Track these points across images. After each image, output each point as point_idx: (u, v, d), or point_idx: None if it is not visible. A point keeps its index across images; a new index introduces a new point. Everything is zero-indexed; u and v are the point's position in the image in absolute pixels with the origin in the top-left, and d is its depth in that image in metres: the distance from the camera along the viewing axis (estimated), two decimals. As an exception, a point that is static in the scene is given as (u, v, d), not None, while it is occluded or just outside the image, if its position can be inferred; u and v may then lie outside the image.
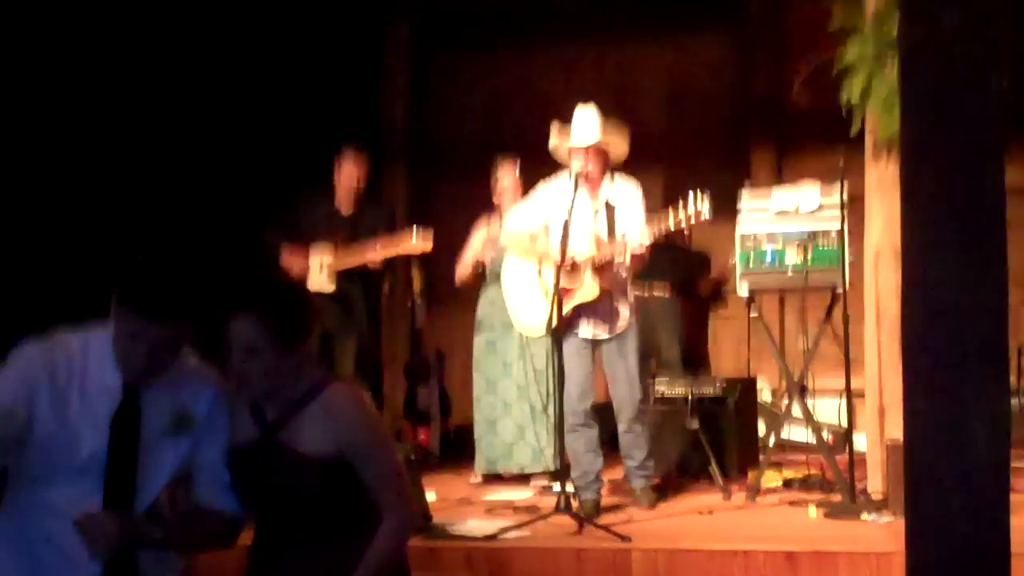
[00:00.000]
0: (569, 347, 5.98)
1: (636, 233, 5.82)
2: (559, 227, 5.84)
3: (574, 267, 5.90)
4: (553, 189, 6.11)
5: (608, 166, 6.05)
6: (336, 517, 3.17)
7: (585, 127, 5.93)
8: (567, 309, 5.89)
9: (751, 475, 6.52)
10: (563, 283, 5.75)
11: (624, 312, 6.07)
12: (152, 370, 3.07)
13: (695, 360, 8.67)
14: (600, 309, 6.00)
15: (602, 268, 5.93)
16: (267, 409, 3.22)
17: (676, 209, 5.68)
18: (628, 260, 5.92)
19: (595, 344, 6.06)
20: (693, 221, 5.66)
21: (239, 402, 3.25)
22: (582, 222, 5.91)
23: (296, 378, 3.22)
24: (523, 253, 6.20)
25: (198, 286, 3.10)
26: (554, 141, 6.02)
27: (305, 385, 3.22)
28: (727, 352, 9.09)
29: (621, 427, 6.11)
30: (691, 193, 5.66)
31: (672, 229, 5.74)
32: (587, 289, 5.92)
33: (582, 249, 5.89)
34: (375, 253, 7.04)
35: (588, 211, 5.98)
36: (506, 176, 7.17)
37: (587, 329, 6.02)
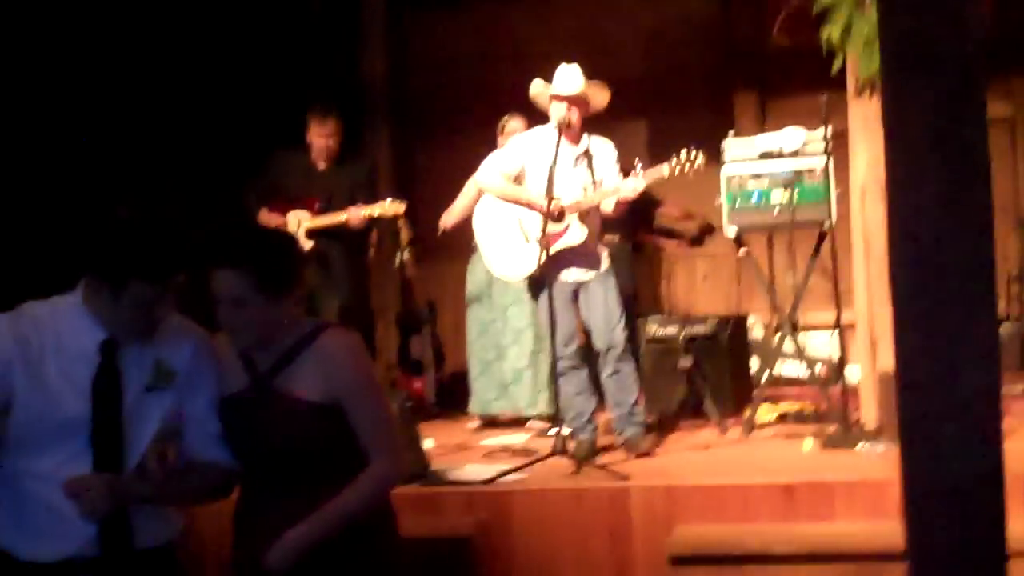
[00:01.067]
0: (552, 291, 6.02)
1: (618, 180, 5.94)
2: (537, 175, 5.96)
3: (560, 213, 5.95)
4: (531, 138, 6.19)
5: (587, 118, 6.09)
6: (326, 465, 3.17)
7: (569, 77, 5.98)
8: (551, 253, 5.95)
9: (746, 411, 6.59)
10: (545, 227, 5.80)
11: (603, 255, 6.14)
12: (151, 329, 3.11)
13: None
14: (581, 253, 6.06)
15: (586, 214, 5.99)
16: (259, 359, 3.23)
17: (671, 158, 5.85)
18: (610, 207, 6.01)
19: (577, 287, 6.11)
20: (687, 169, 5.83)
21: (230, 352, 3.26)
22: (564, 170, 5.97)
23: (287, 327, 3.22)
24: (508, 195, 6.21)
25: (184, 236, 3.11)
26: (537, 89, 6.05)
27: (297, 333, 3.23)
28: (718, 290, 9.14)
29: (605, 371, 6.08)
30: (685, 150, 5.84)
31: (665, 176, 5.89)
32: (574, 233, 5.98)
33: (567, 195, 5.94)
34: (350, 216, 7.05)
35: (569, 160, 6.04)
36: (515, 120, 7.13)
37: (571, 272, 6.07)
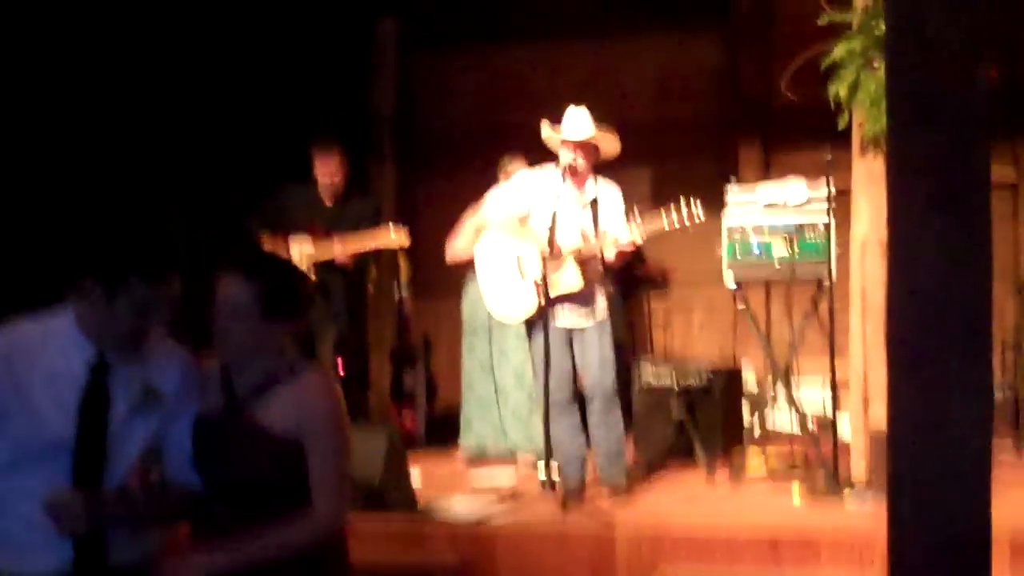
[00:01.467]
0: (543, 335, 6.03)
1: (621, 229, 5.93)
2: (542, 216, 5.98)
3: (559, 257, 5.96)
4: (537, 178, 6.18)
5: (596, 164, 6.12)
6: (279, 502, 3.14)
7: (578, 122, 6.00)
8: (549, 297, 5.96)
9: (736, 458, 6.58)
10: (543, 270, 5.83)
11: (602, 301, 6.14)
12: (141, 339, 3.11)
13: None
14: (579, 298, 6.05)
15: (585, 260, 6.01)
16: (238, 383, 3.21)
17: (669, 210, 5.82)
18: (612, 255, 6.00)
19: (572, 333, 6.11)
20: (687, 223, 5.80)
21: (211, 374, 3.25)
22: (568, 214, 6.00)
23: (275, 356, 3.22)
24: (512, 233, 6.23)
25: (183, 238, 3.13)
26: (546, 132, 6.07)
27: (282, 366, 3.22)
28: (714, 338, 9.15)
29: (593, 417, 6.08)
30: (683, 199, 5.82)
31: (665, 229, 5.86)
32: (571, 280, 5.98)
33: (568, 240, 5.96)
34: (354, 245, 7.08)
35: (575, 205, 6.06)
36: (516, 162, 7.16)
37: (566, 318, 6.07)
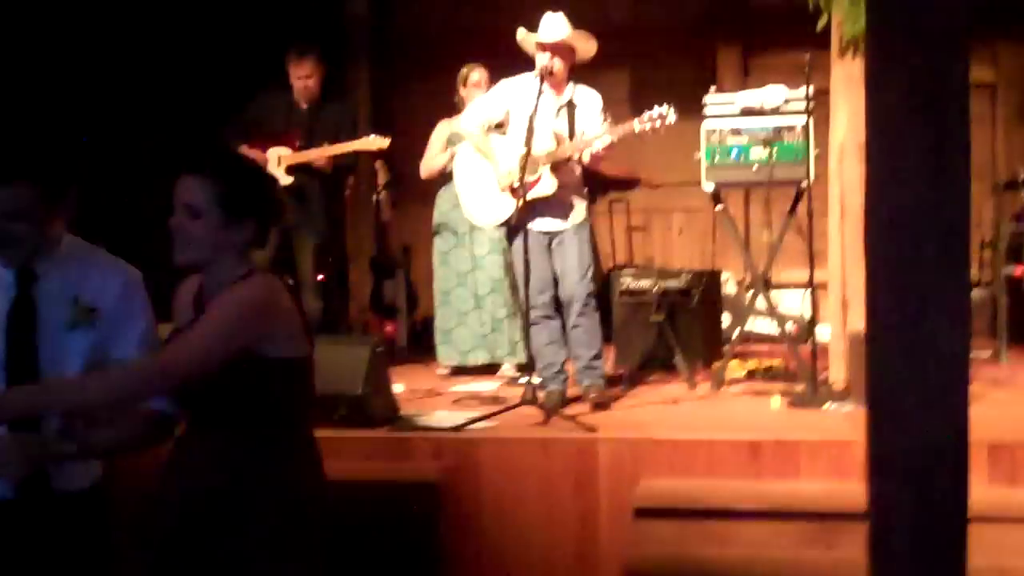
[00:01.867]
0: (521, 242, 6.02)
1: (595, 133, 5.90)
2: (520, 122, 5.93)
3: (532, 161, 5.93)
4: (516, 84, 6.14)
5: (573, 67, 6.06)
6: (236, 406, 2.99)
7: (554, 25, 5.95)
8: (522, 203, 5.93)
9: (715, 366, 6.61)
10: (520, 176, 5.80)
11: (579, 206, 6.12)
12: (15, 247, 2.98)
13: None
14: (555, 203, 6.03)
15: (559, 164, 5.97)
16: (206, 291, 3.06)
17: (642, 115, 5.78)
18: (587, 158, 5.98)
19: (551, 236, 6.10)
20: (658, 125, 5.75)
21: (187, 293, 3.13)
22: (544, 119, 5.94)
23: (234, 262, 3.04)
24: (479, 146, 6.21)
25: (36, 145, 3.02)
26: (521, 36, 6.01)
27: (238, 272, 3.03)
28: (693, 245, 9.15)
29: (570, 323, 6.11)
30: (656, 106, 5.77)
31: (636, 133, 5.80)
32: (544, 184, 5.96)
33: (542, 145, 5.92)
34: (333, 150, 7.02)
35: (551, 109, 6.02)
36: (475, 74, 7.12)
37: (543, 222, 6.05)
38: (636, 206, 9.14)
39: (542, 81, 5.86)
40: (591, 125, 6.00)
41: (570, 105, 6.05)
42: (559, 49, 5.93)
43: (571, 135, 6.01)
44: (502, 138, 6.12)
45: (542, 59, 5.93)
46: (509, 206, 5.98)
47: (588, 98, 6.09)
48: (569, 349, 6.17)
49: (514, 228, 5.98)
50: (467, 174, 6.39)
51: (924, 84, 2.25)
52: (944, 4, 2.25)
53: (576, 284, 6.05)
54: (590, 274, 6.12)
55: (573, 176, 6.10)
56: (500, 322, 7.15)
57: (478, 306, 7.20)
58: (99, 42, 7.62)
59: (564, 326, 6.14)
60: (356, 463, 5.23)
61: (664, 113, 5.76)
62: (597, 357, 6.16)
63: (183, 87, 8.02)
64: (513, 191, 5.89)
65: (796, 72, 6.18)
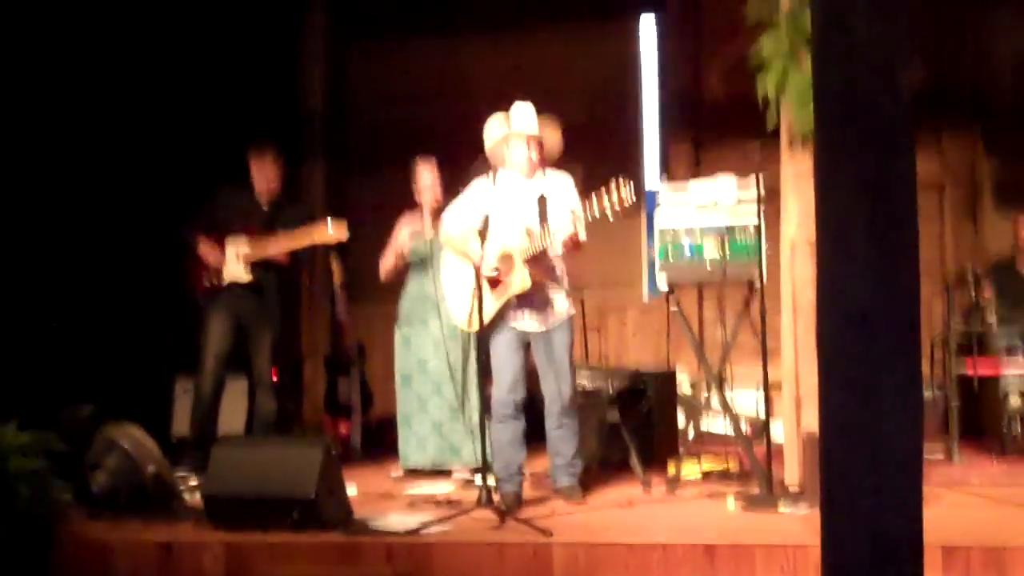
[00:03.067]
0: (502, 338, 6.05)
1: (565, 221, 5.88)
2: (497, 221, 5.97)
3: (508, 259, 5.93)
4: (490, 184, 6.17)
5: (542, 160, 6.12)
6: None
7: (528, 116, 6.04)
8: (501, 301, 5.98)
9: (671, 466, 6.56)
10: (497, 274, 5.91)
11: (559, 305, 6.11)
12: None
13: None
14: (534, 301, 6.03)
15: (533, 259, 5.97)
16: None
17: (600, 196, 5.72)
18: (559, 249, 5.99)
19: (530, 336, 6.08)
20: (618, 207, 5.70)
21: None
22: (516, 214, 5.98)
23: None
24: (458, 254, 6.22)
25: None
26: (497, 132, 6.07)
27: None
28: (648, 343, 9.14)
29: (551, 422, 6.11)
30: (614, 180, 5.70)
31: (597, 215, 5.74)
32: (519, 280, 5.94)
33: (515, 240, 5.92)
34: (291, 242, 7.01)
35: (524, 202, 6.04)
36: (425, 173, 7.16)
37: (521, 321, 6.05)
38: (591, 305, 9.13)
39: (525, 173, 6.01)
40: (560, 213, 5.95)
41: (540, 199, 6.04)
42: (533, 140, 6.01)
43: (543, 226, 5.98)
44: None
45: (520, 151, 6.02)
46: (489, 308, 5.97)
47: (561, 185, 6.11)
48: (548, 447, 6.18)
49: (480, 331, 5.95)
50: (451, 275, 6.36)
51: (870, 182, 2.26)
52: (889, 104, 2.27)
53: (558, 389, 6.05)
54: (571, 378, 6.14)
55: (548, 270, 6.09)
56: (439, 426, 7.07)
57: (422, 409, 7.12)
58: (63, 137, 7.60)
59: (537, 427, 6.16)
60: (308, 567, 5.13)
61: (623, 195, 5.63)
62: (575, 456, 6.16)
63: (139, 178, 8.00)
64: (491, 287, 5.93)
65: (748, 165, 6.17)
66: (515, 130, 6.01)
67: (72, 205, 7.69)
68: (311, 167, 9.62)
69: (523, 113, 6.04)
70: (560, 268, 6.15)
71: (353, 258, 8.11)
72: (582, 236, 5.94)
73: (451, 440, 7.03)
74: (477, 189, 6.23)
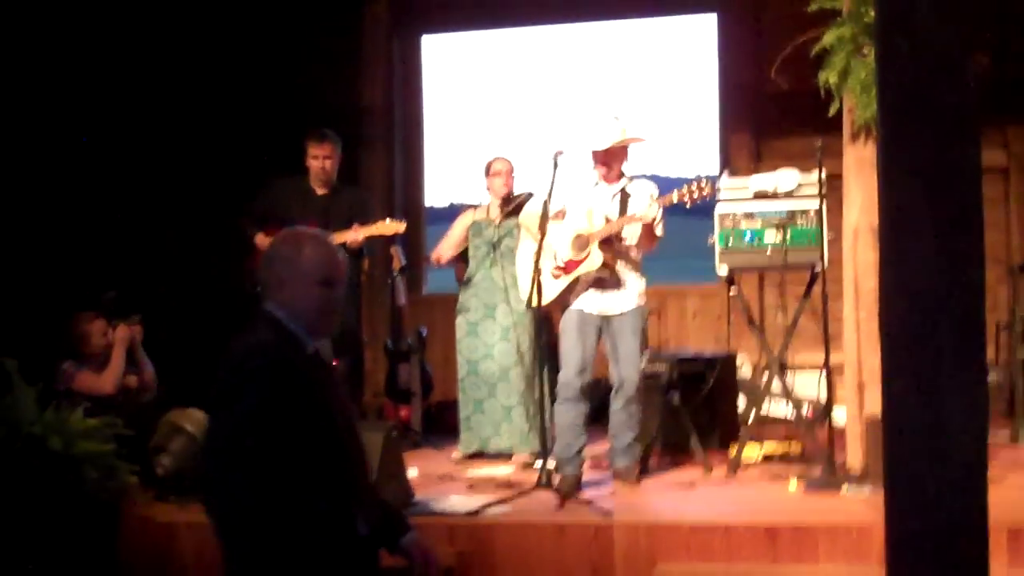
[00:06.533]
0: (571, 320, 6.11)
1: (647, 210, 5.99)
2: (574, 210, 6.16)
3: (583, 241, 6.04)
4: (572, 179, 6.26)
5: (626, 158, 6.24)
6: None
7: (600, 131, 6.14)
8: (571, 279, 6.10)
9: (732, 449, 6.57)
10: (571, 256, 6.07)
11: (632, 291, 6.19)
12: None
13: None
14: (607, 285, 6.12)
15: (607, 241, 6.06)
16: None
17: (682, 192, 5.92)
18: (638, 237, 6.11)
19: (601, 319, 6.14)
20: (696, 197, 5.91)
21: None
22: (597, 205, 6.12)
23: None
24: (534, 238, 6.27)
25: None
26: (607, 137, 6.15)
27: None
28: (707, 328, 9.13)
29: (616, 405, 6.16)
30: (696, 180, 5.91)
31: (675, 203, 5.95)
32: (591, 260, 6.05)
33: (594, 225, 6.07)
34: (350, 235, 7.06)
35: (605, 196, 6.18)
36: (498, 162, 7.21)
37: (593, 303, 6.12)
38: (650, 289, 9.16)
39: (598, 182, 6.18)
40: (639, 208, 6.08)
41: (623, 193, 6.16)
42: (609, 153, 6.13)
43: (621, 215, 6.12)
44: (558, 224, 6.17)
45: (596, 166, 6.20)
46: (557, 286, 6.07)
47: (642, 188, 6.22)
48: (609, 429, 6.22)
49: (540, 311, 6.08)
50: (525, 258, 6.43)
51: (936, 167, 2.28)
52: (954, 90, 2.28)
53: (627, 373, 6.11)
54: (644, 359, 6.21)
55: (626, 258, 6.18)
56: (509, 411, 7.13)
57: (492, 394, 7.19)
58: (119, 134, 7.72)
59: (591, 410, 6.20)
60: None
61: (703, 186, 5.87)
62: (635, 441, 6.22)
63: (195, 170, 8.10)
64: (562, 268, 6.05)
65: (808, 157, 6.22)
66: (591, 147, 6.14)
67: (134, 204, 7.83)
68: (372, 154, 9.65)
69: (598, 128, 6.13)
70: (634, 255, 6.21)
71: (413, 245, 8.17)
72: (659, 232, 6.07)
73: (519, 425, 7.07)
74: (560, 179, 6.28)
